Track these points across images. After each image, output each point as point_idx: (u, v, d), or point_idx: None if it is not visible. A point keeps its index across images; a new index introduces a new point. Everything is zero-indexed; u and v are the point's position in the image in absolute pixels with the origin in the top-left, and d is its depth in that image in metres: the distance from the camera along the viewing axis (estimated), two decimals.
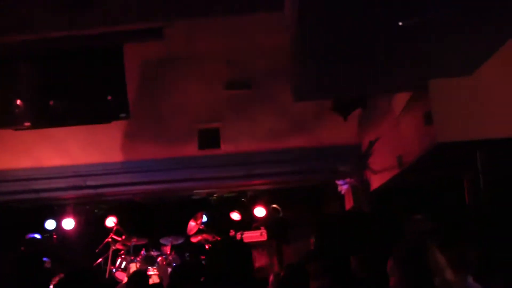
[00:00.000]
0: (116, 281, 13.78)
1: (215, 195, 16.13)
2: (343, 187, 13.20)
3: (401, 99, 9.72)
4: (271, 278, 8.78)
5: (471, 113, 8.28)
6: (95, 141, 12.00)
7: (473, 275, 6.95)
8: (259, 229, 15.49)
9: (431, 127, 8.37)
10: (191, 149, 12.06)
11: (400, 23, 6.34)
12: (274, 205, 15.26)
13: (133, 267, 13.87)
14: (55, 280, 9.94)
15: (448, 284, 4.25)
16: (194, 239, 15.36)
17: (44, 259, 11.73)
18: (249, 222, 15.73)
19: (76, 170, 12.39)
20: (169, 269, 13.85)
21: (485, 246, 8.32)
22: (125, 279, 13.73)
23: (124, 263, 14.51)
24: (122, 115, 9.79)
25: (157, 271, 14.04)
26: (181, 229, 15.42)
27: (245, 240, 14.04)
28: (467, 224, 8.67)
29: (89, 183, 12.63)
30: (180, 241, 15.26)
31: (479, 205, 8.51)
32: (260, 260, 14.28)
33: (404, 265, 4.38)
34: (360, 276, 7.75)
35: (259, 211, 15.33)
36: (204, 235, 15.30)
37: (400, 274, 4.36)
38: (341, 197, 13.99)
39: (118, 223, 15.13)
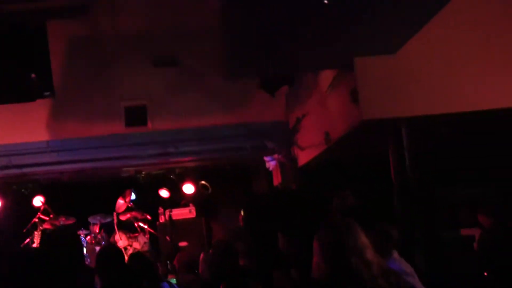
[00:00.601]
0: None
1: (143, 173, 16.01)
2: (271, 163, 13.26)
3: (327, 76, 9.78)
4: (201, 256, 8.76)
5: (396, 90, 8.41)
6: (20, 120, 11.77)
7: (397, 250, 7.11)
8: (188, 206, 15.49)
9: (357, 105, 8.44)
10: (118, 127, 11.90)
11: (326, 1, 6.37)
12: (203, 182, 15.24)
13: None
14: None
15: (367, 263, 4.23)
16: (123, 217, 15.24)
17: None
18: (178, 199, 15.70)
19: (0, 149, 12.15)
20: (97, 248, 13.80)
21: (409, 222, 8.49)
22: None
23: None
24: (47, 93, 9.58)
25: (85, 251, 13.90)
26: (110, 208, 15.30)
27: (174, 218, 14.01)
28: (392, 201, 8.79)
29: (14, 162, 12.42)
30: (108, 219, 15.14)
31: (404, 181, 8.62)
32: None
33: (323, 244, 4.36)
34: (287, 254, 7.77)
35: (188, 188, 15.29)
36: (133, 213, 15.20)
37: (319, 254, 4.35)
38: (269, 173, 14.06)
39: (46, 202, 14.90)
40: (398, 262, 6.85)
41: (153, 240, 14.99)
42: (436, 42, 8.38)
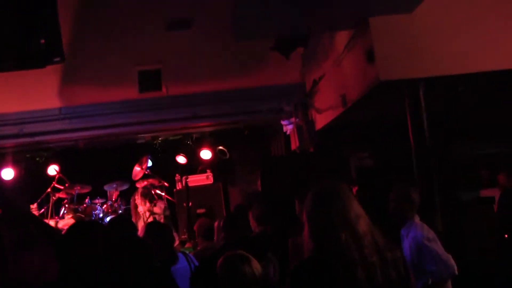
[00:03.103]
0: None
1: (159, 139, 15.88)
2: (288, 127, 13.09)
3: (343, 37, 9.60)
4: (216, 223, 8.62)
5: (412, 51, 8.32)
6: (30, 87, 11.63)
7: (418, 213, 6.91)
8: (205, 172, 15.37)
9: (373, 65, 8.29)
10: (132, 92, 11.75)
11: None
12: (221, 147, 15.09)
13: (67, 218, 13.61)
14: None
15: (358, 238, 3.86)
16: (139, 185, 15.15)
17: None
18: (195, 165, 15.58)
19: (11, 118, 12.04)
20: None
21: (428, 184, 8.31)
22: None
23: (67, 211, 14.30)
24: (57, 59, 9.39)
25: None
26: (126, 175, 15.21)
27: (191, 184, 13.89)
28: (410, 163, 8.60)
29: (26, 130, 12.30)
30: (125, 187, 15.09)
31: (423, 142, 8.43)
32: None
33: (308, 215, 4.03)
34: (301, 218, 7.62)
35: (205, 154, 15.16)
36: (150, 180, 15.10)
37: (307, 226, 4.02)
38: (286, 137, 13.89)
39: (60, 171, 14.80)
40: (420, 227, 6.66)
41: (170, 207, 14.90)
42: (453, 1, 8.21)
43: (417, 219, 6.76)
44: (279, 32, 9.25)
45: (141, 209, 14.28)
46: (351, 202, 3.94)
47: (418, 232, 6.55)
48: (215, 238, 8.74)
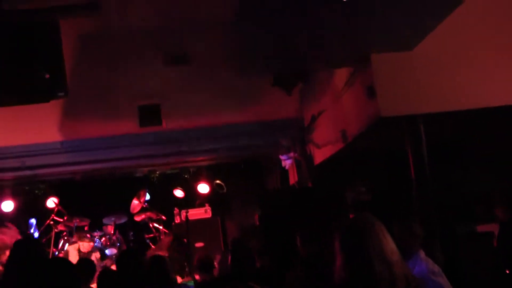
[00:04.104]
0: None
1: (157, 172, 15.95)
2: (286, 161, 13.17)
3: (342, 73, 9.72)
4: (218, 258, 8.69)
5: (413, 87, 8.40)
6: (33, 121, 11.70)
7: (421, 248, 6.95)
8: (204, 206, 15.41)
9: (374, 101, 8.39)
10: (132, 127, 11.84)
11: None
12: (218, 181, 15.14)
13: (72, 249, 13.59)
14: None
15: (390, 265, 3.99)
16: (137, 218, 15.19)
17: None
18: (192, 199, 15.61)
19: (13, 151, 12.13)
20: (113, 250, 13.74)
21: (428, 218, 8.37)
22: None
23: (67, 244, 14.29)
24: (61, 93, 9.48)
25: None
26: (124, 208, 15.25)
27: (190, 218, 13.91)
28: (407, 197, 8.69)
29: (27, 163, 12.37)
30: (123, 220, 15.11)
31: (423, 177, 8.53)
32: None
33: (344, 247, 4.14)
34: (304, 254, 7.69)
35: (203, 188, 15.18)
36: (148, 213, 15.14)
37: (340, 257, 4.14)
38: (282, 171, 13.97)
39: (59, 203, 14.83)
40: (425, 261, 6.69)
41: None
42: (453, 38, 8.34)
43: (422, 253, 6.80)
44: (281, 68, 9.38)
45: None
46: (386, 236, 4.09)
47: (424, 266, 6.58)
48: (215, 271, 8.80)
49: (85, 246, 13.51)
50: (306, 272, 7.19)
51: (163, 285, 7.00)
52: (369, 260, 3.95)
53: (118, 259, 6.78)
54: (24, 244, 6.47)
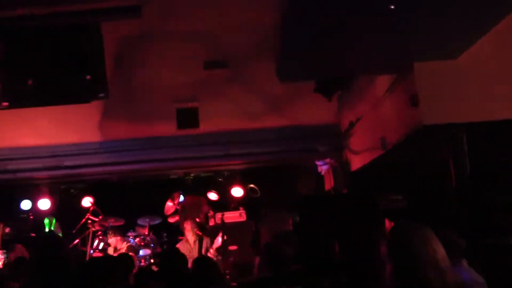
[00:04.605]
0: None
1: (191, 175, 15.96)
2: (323, 167, 13.15)
3: (383, 80, 9.69)
4: (257, 260, 8.67)
5: (457, 95, 8.32)
6: (72, 120, 11.87)
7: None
8: (238, 209, 15.39)
9: (416, 109, 8.35)
10: (170, 129, 11.96)
11: (392, 6, 6.29)
12: (252, 185, 15.14)
13: (110, 250, 13.69)
14: None
15: (442, 273, 3.96)
16: (171, 220, 15.28)
17: None
18: (225, 202, 15.62)
19: (52, 150, 12.26)
20: (147, 250, 13.80)
21: (471, 229, 8.32)
22: None
23: (101, 244, 14.37)
24: (101, 95, 9.58)
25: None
26: (158, 210, 15.34)
27: (226, 221, 13.88)
28: (452, 207, 8.64)
29: (66, 163, 12.47)
30: (157, 221, 15.17)
31: (466, 188, 8.47)
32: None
33: (395, 254, 4.11)
34: (341, 260, 7.68)
35: (237, 191, 15.21)
36: None
37: (391, 265, 4.10)
38: (318, 177, 13.95)
39: (95, 203, 14.94)
40: (469, 271, 6.66)
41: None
42: (498, 48, 8.25)
43: (464, 263, 6.77)
44: (320, 75, 9.39)
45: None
46: (437, 243, 4.01)
47: (468, 276, 6.55)
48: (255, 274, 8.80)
49: (121, 245, 13.61)
50: (345, 278, 7.19)
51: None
52: (421, 267, 3.92)
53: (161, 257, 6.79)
54: (46, 241, 6.44)
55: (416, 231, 4.11)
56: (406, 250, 4.01)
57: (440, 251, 4.01)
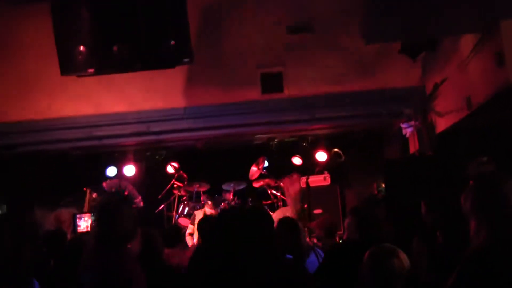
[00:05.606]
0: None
1: (276, 140, 15.99)
2: (407, 130, 13.00)
3: (469, 40, 9.52)
4: (346, 221, 8.70)
5: None
6: (157, 86, 11.99)
7: None
8: (323, 173, 15.39)
9: (503, 69, 8.19)
10: (254, 94, 12.00)
11: None
12: (336, 149, 15.09)
13: (199, 213, 13.87)
14: None
15: None
16: (256, 184, 15.41)
17: None
18: (310, 167, 15.61)
19: (138, 116, 12.39)
20: None
21: None
22: (189, 225, 13.82)
23: (186, 209, 14.59)
24: (186, 60, 9.67)
25: None
26: (243, 175, 15.47)
27: (311, 185, 13.88)
28: None
29: (152, 129, 12.63)
30: (242, 186, 15.33)
31: None
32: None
33: (481, 206, 4.01)
34: (429, 222, 7.62)
35: (321, 156, 15.15)
36: (266, 180, 15.35)
37: (479, 219, 4.01)
38: (402, 140, 13.82)
39: (180, 169, 15.15)
40: None
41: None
42: None
43: None
44: (408, 35, 9.28)
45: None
46: None
47: None
48: (344, 236, 8.84)
49: (210, 210, 13.79)
50: (431, 239, 7.17)
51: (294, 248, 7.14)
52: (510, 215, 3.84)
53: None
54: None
55: (502, 178, 4.03)
56: (494, 200, 3.94)
57: None
